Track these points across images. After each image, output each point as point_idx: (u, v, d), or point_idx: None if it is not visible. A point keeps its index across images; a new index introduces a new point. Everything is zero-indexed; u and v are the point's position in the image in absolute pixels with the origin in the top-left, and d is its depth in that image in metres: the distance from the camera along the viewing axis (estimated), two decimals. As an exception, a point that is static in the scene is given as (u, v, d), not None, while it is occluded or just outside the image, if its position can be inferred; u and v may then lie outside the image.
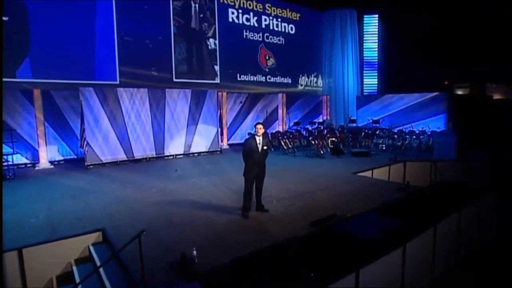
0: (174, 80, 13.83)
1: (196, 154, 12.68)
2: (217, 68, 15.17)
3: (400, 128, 14.58)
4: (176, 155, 12.24)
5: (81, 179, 8.72)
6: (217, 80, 15.20)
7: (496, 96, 15.71)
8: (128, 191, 7.40)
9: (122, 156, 11.12)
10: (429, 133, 12.94)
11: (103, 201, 6.61)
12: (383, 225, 4.88)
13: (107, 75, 12.13)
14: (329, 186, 7.56)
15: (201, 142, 12.86)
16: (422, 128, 13.32)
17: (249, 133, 15.48)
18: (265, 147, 5.51)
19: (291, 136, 13.75)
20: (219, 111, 13.86)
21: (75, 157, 11.42)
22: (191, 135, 12.63)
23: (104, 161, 10.72)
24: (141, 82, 12.69)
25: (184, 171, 9.62)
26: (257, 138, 5.44)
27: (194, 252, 3.95)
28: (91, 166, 10.38)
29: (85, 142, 10.38)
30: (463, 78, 17.27)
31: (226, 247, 4.43)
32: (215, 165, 10.58)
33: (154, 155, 11.78)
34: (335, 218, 5.27)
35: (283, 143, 13.11)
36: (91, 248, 4.83)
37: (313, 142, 12.25)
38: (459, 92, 16.46)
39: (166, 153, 12.04)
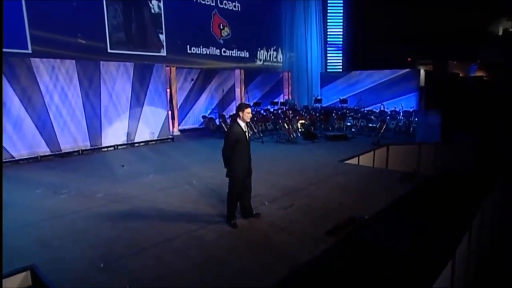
0: (109, 50, 11.83)
1: (142, 144, 11.11)
2: (162, 37, 13.42)
3: (370, 108, 14.62)
4: (118, 145, 10.55)
5: (-13, 184, 6.77)
6: (163, 53, 13.49)
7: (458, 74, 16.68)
8: (61, 200, 5.85)
9: (43, 150, 9.15)
10: (402, 113, 13.13)
11: (25, 218, 5.03)
12: (415, 229, 4.34)
13: (13, 40, 9.73)
14: (321, 178, 6.91)
15: (149, 128, 11.30)
16: (395, 108, 13.46)
17: (203, 117, 14.26)
18: (249, 135, 4.75)
19: (255, 119, 12.88)
20: (168, 90, 12.34)
21: (-27, 153, 9.09)
22: (136, 120, 10.99)
23: (17, 158, 8.68)
24: (64, 51, 10.47)
25: (133, 167, 8.18)
26: (241, 124, 4.51)
27: (194, 296, 2.89)
28: None
29: (-12, 133, 8.21)
30: (425, 55, 18.00)
31: (232, 278, 3.44)
32: (170, 157, 9.28)
33: (89, 147, 9.97)
34: (354, 223, 4.58)
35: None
36: (17, 298, 3.44)
37: (285, 125, 11.52)
38: (421, 69, 17.09)
39: (105, 144, 10.29)
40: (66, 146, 9.53)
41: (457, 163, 8.42)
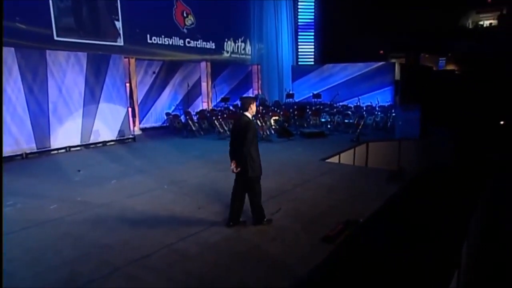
0: (56, 38, 10.97)
1: (100, 145, 10.43)
2: (119, 25, 12.70)
3: (345, 103, 14.85)
4: (70, 147, 9.80)
5: None
6: (120, 42, 12.78)
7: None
8: (6, 214, 5.22)
9: (-22, 154, 8.25)
10: (378, 107, 13.46)
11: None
12: (412, 231, 4.34)
13: None
14: (305, 179, 6.82)
15: (106, 128, 10.64)
16: (370, 102, 13.76)
17: (167, 114, 13.72)
18: None
19: (225, 115, 12.61)
20: (127, 84, 11.70)
21: None
22: (91, 118, 10.30)
23: None
24: (-1, 39, 9.55)
25: (91, 171, 7.61)
26: (250, 117, 4.61)
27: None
28: None
29: None
30: (397, 48, 18.65)
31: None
32: (134, 159, 8.77)
33: (35, 150, 9.16)
34: (350, 227, 4.49)
35: (217, 125, 11.88)
36: None
37: (257, 122, 11.35)
38: (394, 61, 17.67)
39: (54, 146, 9.52)
40: (6, 149, 8.64)
41: (439, 159, 8.72)
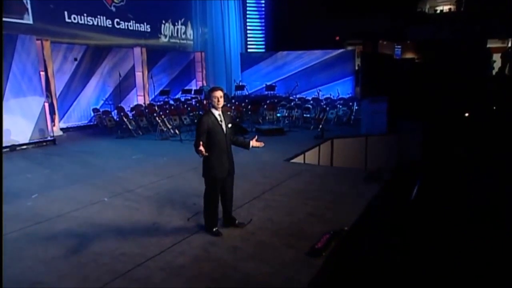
0: None
1: (6, 150, 9.36)
2: (26, -3, 11.57)
3: (302, 95, 15.06)
4: (-33, 154, 8.65)
5: None
6: (29, 20, 11.66)
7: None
8: None
9: None
10: (338, 100, 13.82)
11: None
12: (402, 237, 4.42)
13: None
14: (273, 183, 6.70)
15: (16, 128, 9.59)
16: (330, 94, 14.08)
17: (94, 110, 12.84)
18: (229, 125, 4.70)
19: (167, 111, 12.12)
20: (42, 73, 10.69)
21: None
22: (-5, 116, 9.21)
23: None
24: None
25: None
26: (215, 112, 4.51)
27: None
28: None
29: None
30: (353, 34, 19.33)
31: None
32: (59, 166, 8.12)
33: None
34: (337, 237, 4.43)
35: (159, 122, 11.35)
36: None
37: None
38: (351, 48, 18.25)
39: None
40: None
41: (409, 155, 9.13)
